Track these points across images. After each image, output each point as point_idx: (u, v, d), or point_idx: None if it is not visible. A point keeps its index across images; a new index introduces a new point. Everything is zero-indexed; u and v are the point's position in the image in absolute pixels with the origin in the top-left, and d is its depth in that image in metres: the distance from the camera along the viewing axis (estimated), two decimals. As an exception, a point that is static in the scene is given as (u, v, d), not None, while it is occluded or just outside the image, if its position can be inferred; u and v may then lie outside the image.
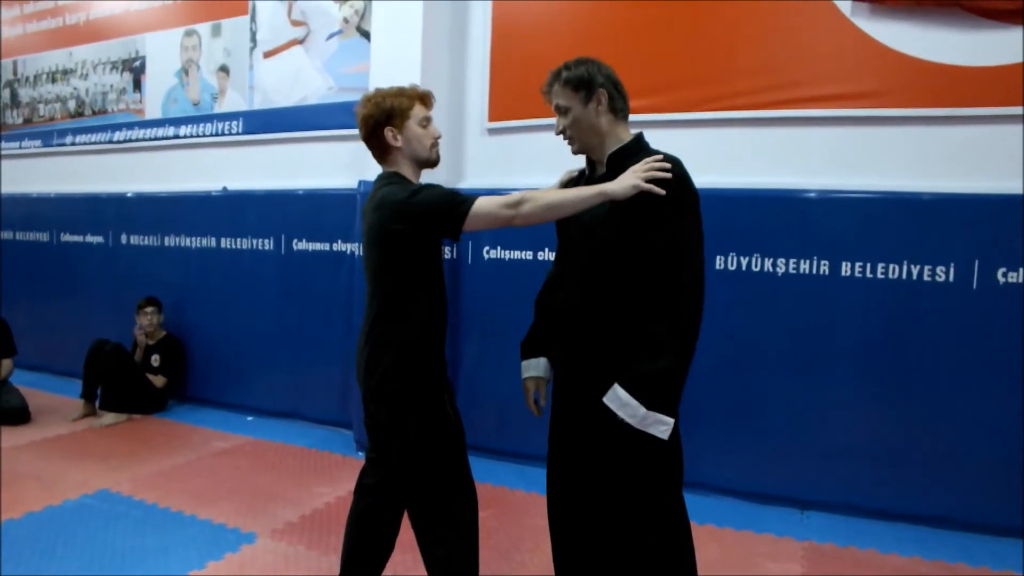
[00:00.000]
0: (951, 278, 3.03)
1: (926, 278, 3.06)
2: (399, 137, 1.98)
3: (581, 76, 1.83)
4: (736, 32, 3.44)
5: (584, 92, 1.83)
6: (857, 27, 3.22)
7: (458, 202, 1.84)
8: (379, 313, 1.98)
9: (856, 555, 2.82)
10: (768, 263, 3.30)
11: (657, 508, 1.84)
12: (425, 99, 2.04)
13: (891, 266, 3.11)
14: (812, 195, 3.24)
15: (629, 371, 1.72)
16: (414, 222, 1.88)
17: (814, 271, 3.22)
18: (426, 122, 2.02)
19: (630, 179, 1.73)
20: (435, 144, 2.04)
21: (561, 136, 1.92)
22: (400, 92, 2.01)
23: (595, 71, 1.84)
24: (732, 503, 3.33)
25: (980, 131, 3.10)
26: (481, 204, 1.83)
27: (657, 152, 1.82)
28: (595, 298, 1.83)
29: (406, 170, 2.02)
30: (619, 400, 1.71)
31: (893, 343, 3.13)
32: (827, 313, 3.21)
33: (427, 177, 2.03)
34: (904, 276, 3.09)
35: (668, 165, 1.73)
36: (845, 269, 3.18)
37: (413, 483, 2.04)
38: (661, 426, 1.70)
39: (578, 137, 1.88)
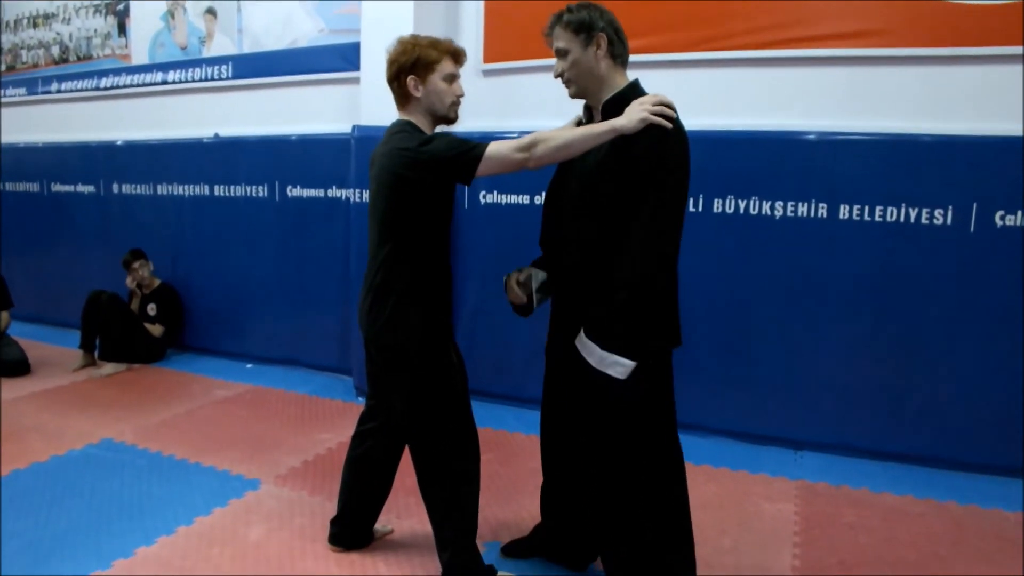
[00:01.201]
0: (949, 221, 3.02)
1: (924, 221, 3.05)
2: (420, 88, 1.99)
3: (582, 19, 1.84)
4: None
5: (584, 35, 1.84)
6: (859, -38, 3.13)
7: (469, 147, 1.86)
8: (384, 260, 1.99)
9: (849, 493, 2.88)
10: (766, 206, 3.28)
11: (645, 449, 1.89)
12: (457, 55, 2.04)
13: (889, 209, 3.10)
14: (811, 137, 3.20)
15: (587, 316, 1.81)
16: (426, 170, 1.89)
17: (812, 214, 3.21)
18: (451, 79, 2.02)
19: (638, 112, 1.73)
20: (456, 102, 2.05)
21: (559, 79, 1.93)
22: (433, 44, 2.01)
23: (596, 16, 1.86)
24: (728, 444, 3.39)
25: (982, 71, 3.04)
26: (493, 148, 1.84)
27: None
28: (587, 252, 1.88)
29: (421, 121, 2.03)
30: (582, 343, 1.81)
31: (890, 285, 3.14)
32: (824, 256, 3.21)
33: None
34: (902, 219, 3.08)
35: (671, 101, 1.76)
36: (843, 212, 3.16)
37: (414, 428, 2.07)
38: (618, 367, 1.75)
39: (576, 80, 1.90)
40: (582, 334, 1.81)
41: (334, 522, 2.39)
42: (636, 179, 1.74)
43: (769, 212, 3.27)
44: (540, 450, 2.24)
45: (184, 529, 2.48)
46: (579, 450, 2.03)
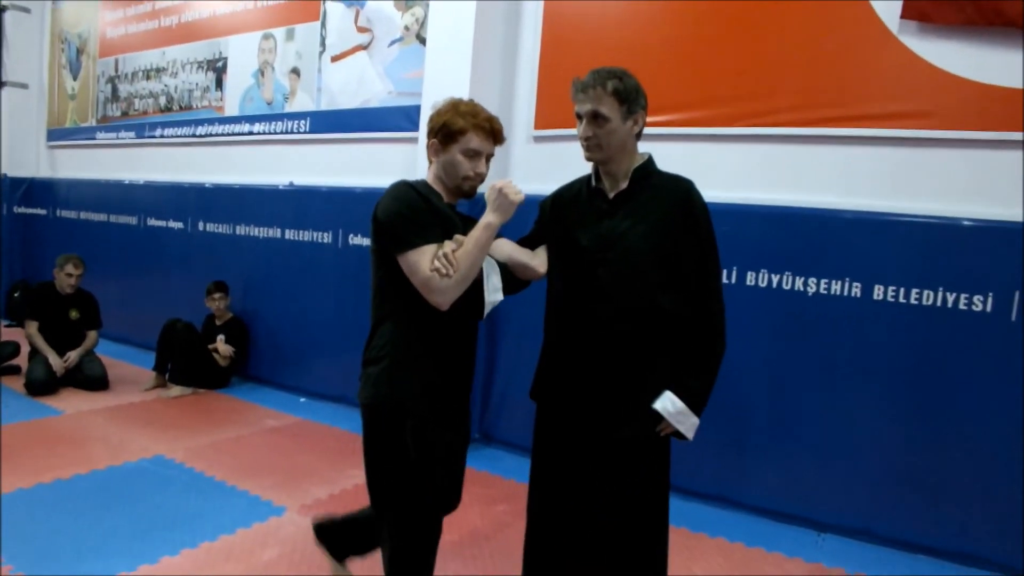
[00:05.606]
0: (988, 308, 2.95)
1: (962, 306, 2.99)
2: (440, 154, 1.90)
3: (630, 91, 1.81)
4: (783, 48, 3.43)
5: (627, 107, 1.82)
6: (904, 46, 3.17)
7: (413, 234, 1.79)
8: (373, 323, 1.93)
9: (863, 582, 2.80)
10: (799, 282, 3.28)
11: (658, 512, 1.94)
12: (485, 132, 1.88)
13: (925, 292, 3.05)
14: (848, 216, 3.21)
15: (681, 385, 1.86)
16: (373, 233, 1.91)
17: (845, 293, 3.19)
18: (473, 154, 1.87)
19: (497, 200, 1.79)
20: (469, 178, 1.89)
21: (585, 142, 1.86)
22: (469, 113, 1.87)
23: (641, 92, 1.84)
24: (749, 519, 3.32)
25: (1025, 157, 3.00)
26: (421, 259, 1.75)
27: (663, 173, 1.93)
28: (633, 312, 1.86)
29: (438, 185, 1.94)
30: (673, 408, 1.85)
31: (924, 370, 3.07)
32: (857, 335, 3.17)
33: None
34: (939, 303, 3.03)
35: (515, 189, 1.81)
36: (878, 292, 3.13)
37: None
38: (691, 423, 1.87)
39: (607, 147, 1.84)
40: (676, 401, 1.84)
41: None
42: (696, 240, 1.85)
43: (802, 288, 3.28)
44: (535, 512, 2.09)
45: (207, 544, 2.68)
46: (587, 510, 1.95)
